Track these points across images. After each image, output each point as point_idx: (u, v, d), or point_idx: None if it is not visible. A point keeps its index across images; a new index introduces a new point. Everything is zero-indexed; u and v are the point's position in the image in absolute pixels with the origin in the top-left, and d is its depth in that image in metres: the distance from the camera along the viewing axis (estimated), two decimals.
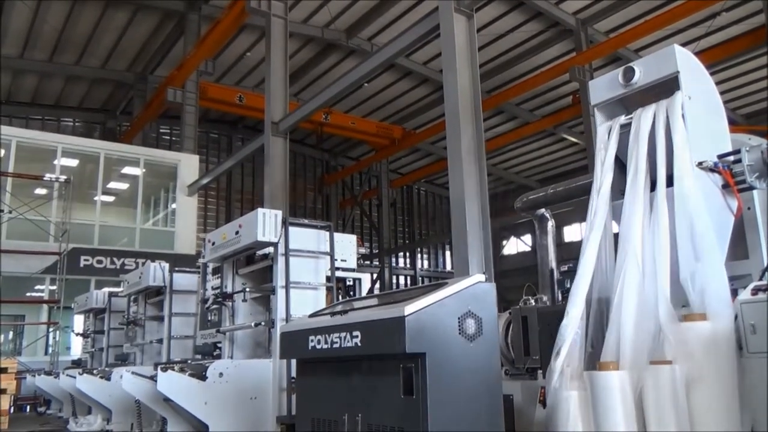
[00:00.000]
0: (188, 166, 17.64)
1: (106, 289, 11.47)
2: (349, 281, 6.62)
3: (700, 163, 3.14)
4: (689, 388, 2.67)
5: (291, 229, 5.85)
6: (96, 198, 17.94)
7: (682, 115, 3.17)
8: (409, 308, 2.75)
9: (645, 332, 2.88)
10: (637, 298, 2.96)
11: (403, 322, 2.72)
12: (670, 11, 16.20)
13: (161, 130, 22.12)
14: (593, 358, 2.97)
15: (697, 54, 3.58)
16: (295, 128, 25.43)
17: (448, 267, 30.18)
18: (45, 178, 15.75)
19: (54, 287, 15.56)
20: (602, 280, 3.21)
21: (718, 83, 3.51)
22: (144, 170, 17.62)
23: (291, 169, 27.65)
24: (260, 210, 5.69)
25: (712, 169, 3.15)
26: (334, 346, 3.14)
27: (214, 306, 6.26)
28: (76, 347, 14.63)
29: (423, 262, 31.11)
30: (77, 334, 12.56)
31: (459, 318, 2.89)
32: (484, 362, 2.93)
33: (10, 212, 15.44)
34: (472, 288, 2.98)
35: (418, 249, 30.85)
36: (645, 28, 16.81)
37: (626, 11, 18.11)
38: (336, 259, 6.20)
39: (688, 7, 15.68)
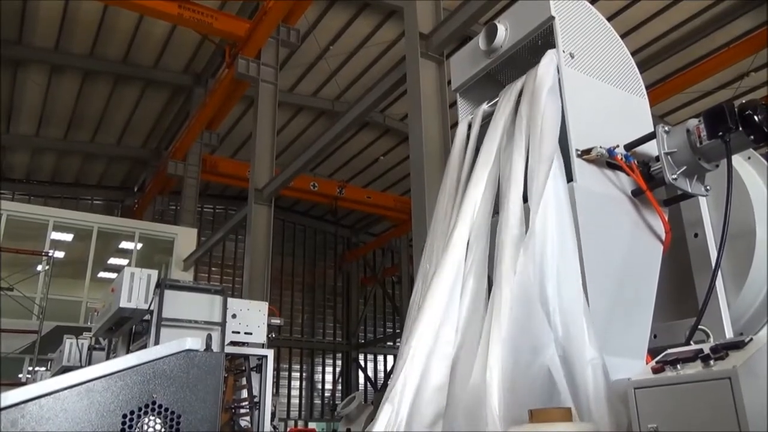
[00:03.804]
0: (186, 240, 16.99)
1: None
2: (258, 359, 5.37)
3: (584, 152, 1.94)
4: None
5: (174, 293, 4.75)
6: (99, 274, 17.52)
7: (560, 81, 2.03)
8: None
9: None
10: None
11: None
12: (693, 71, 15.07)
13: (171, 206, 21.83)
14: None
15: None
16: (315, 204, 25.23)
17: None
18: (44, 254, 15.34)
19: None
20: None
21: None
22: (141, 245, 17.05)
23: (311, 247, 27.45)
24: (128, 269, 4.64)
25: (610, 163, 1.95)
26: None
27: None
28: None
29: None
30: None
31: None
32: None
33: (11, 289, 14.96)
34: None
35: None
36: (666, 89, 15.64)
37: (646, 74, 17.06)
38: (238, 332, 5.02)
39: (712, 66, 14.53)
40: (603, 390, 1.74)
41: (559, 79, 2.02)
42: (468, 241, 2.09)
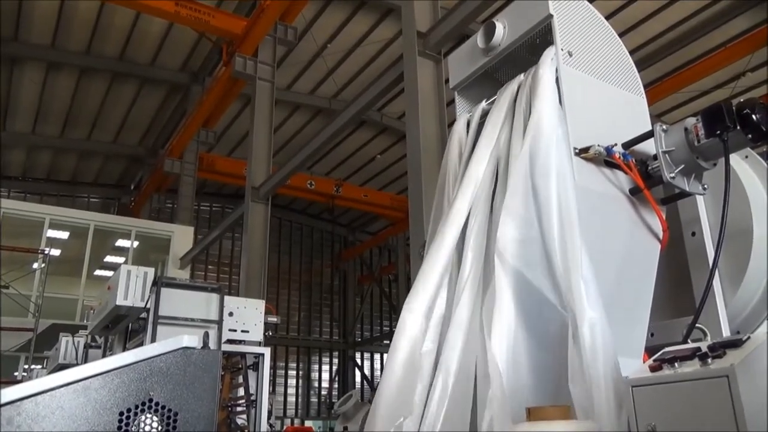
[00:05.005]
0: (183, 238, 16.95)
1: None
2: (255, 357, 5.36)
3: (582, 150, 1.94)
4: None
5: (170, 291, 4.74)
6: (95, 272, 17.50)
7: (557, 79, 2.03)
8: None
9: None
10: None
11: None
12: (690, 70, 15.08)
13: (167, 204, 21.80)
14: None
15: None
16: (312, 202, 25.22)
17: None
18: (40, 252, 15.30)
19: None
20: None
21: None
22: (138, 242, 17.02)
23: (308, 245, 27.43)
24: (124, 267, 4.63)
25: (608, 161, 1.96)
26: None
27: None
28: None
29: None
30: None
31: None
32: None
33: (7, 287, 14.92)
34: None
35: None
36: (664, 88, 15.65)
37: (644, 73, 17.04)
38: (235, 330, 5.02)
39: (709, 65, 14.55)
40: (601, 351, 1.68)
41: (558, 78, 2.03)
42: (467, 215, 2.09)
